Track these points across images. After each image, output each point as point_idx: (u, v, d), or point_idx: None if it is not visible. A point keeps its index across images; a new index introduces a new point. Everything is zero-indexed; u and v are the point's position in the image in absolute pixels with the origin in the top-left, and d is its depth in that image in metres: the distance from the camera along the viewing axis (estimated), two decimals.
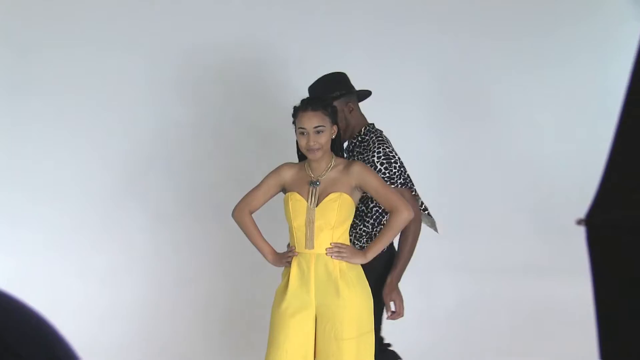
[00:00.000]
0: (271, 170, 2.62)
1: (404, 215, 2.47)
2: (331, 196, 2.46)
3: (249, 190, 2.64)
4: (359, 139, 2.74)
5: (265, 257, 2.64)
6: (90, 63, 3.61)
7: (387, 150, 2.64)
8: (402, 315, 2.66)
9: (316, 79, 2.77)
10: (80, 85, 3.60)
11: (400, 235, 2.62)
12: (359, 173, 2.48)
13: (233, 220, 2.65)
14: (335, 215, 2.47)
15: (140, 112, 3.67)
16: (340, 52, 3.63)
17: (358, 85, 2.81)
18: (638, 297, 1.06)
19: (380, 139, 2.69)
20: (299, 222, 2.49)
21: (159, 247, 3.69)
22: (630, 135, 1.03)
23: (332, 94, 2.65)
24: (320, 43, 3.72)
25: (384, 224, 2.62)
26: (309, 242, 2.47)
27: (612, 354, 1.12)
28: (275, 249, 2.63)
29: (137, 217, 3.66)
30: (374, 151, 2.63)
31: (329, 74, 2.77)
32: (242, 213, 2.62)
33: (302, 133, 2.46)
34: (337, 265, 2.47)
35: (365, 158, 2.65)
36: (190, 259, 3.71)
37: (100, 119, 3.63)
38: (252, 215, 2.63)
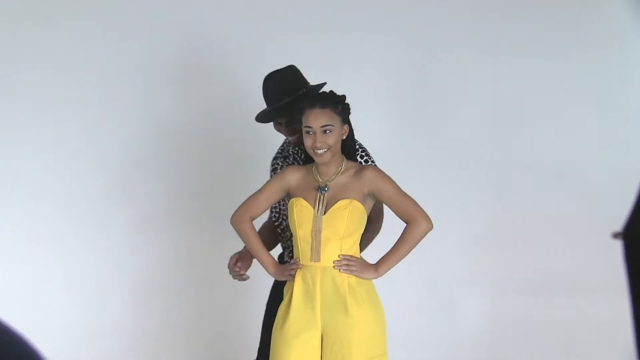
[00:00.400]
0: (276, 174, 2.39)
1: (422, 227, 2.23)
2: (340, 203, 2.21)
3: (250, 195, 2.41)
4: None
5: (266, 269, 2.38)
6: (83, 59, 3.39)
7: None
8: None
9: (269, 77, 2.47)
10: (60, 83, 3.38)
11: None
12: (373, 179, 2.24)
13: (231, 228, 2.41)
14: (344, 225, 2.22)
15: (133, 111, 3.45)
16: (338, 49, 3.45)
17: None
18: None
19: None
20: (304, 231, 2.24)
21: (149, 257, 3.45)
22: None
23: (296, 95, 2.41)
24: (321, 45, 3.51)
25: None
26: (315, 254, 2.22)
27: None
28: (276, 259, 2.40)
29: (124, 223, 3.43)
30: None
31: (281, 71, 2.47)
32: (242, 219, 2.36)
33: (308, 132, 2.22)
34: (346, 280, 2.22)
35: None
36: (185, 268, 3.47)
37: (85, 119, 3.41)
38: (253, 222, 2.39)
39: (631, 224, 1.03)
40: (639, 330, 1.12)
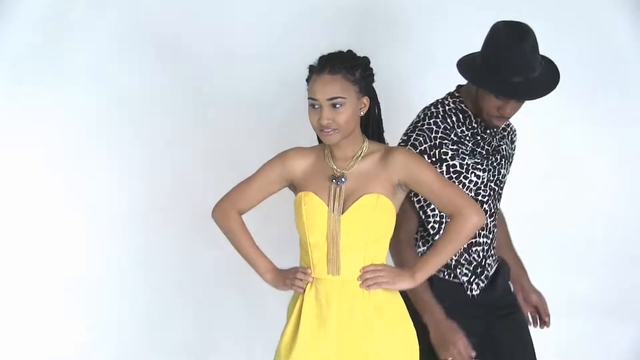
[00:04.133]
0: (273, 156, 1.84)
1: (472, 220, 1.72)
2: (364, 199, 1.69)
3: (238, 182, 1.86)
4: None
5: (261, 276, 1.86)
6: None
7: None
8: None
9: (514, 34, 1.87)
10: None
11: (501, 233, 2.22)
12: (406, 164, 1.70)
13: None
14: (370, 227, 1.70)
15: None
16: None
17: None
18: None
19: None
20: (317, 236, 1.71)
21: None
22: None
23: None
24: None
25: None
26: (333, 266, 1.70)
27: None
28: (275, 264, 1.87)
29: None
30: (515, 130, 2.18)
31: (532, 34, 1.87)
32: (226, 214, 1.84)
33: (313, 106, 1.68)
34: (373, 299, 1.71)
35: (514, 138, 2.18)
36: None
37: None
38: (242, 216, 1.86)
39: None
40: None
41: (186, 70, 2.86)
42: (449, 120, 1.95)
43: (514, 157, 2.18)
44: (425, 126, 1.92)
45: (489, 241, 2.04)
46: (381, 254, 1.75)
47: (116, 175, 2.91)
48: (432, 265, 1.75)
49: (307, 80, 1.71)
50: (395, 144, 1.91)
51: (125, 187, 2.90)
